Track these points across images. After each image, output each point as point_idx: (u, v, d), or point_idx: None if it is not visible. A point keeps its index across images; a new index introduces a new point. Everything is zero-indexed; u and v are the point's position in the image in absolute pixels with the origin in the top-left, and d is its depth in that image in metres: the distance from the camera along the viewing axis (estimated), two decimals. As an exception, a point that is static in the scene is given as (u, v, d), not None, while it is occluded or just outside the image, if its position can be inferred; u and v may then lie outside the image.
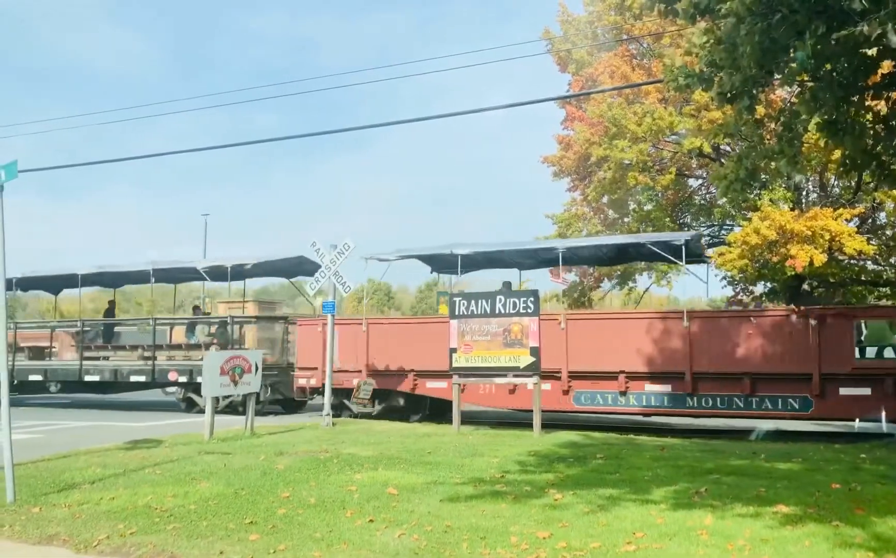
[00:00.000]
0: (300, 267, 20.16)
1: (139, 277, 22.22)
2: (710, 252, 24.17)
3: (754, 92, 7.39)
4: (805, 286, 19.76)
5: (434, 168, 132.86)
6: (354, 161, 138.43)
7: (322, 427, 13.89)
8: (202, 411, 16.88)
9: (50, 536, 6.24)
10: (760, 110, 8.30)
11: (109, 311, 23.86)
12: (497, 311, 13.43)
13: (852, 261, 21.30)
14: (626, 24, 23.21)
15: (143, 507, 7.02)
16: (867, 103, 7.95)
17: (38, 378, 21.84)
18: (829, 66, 7.22)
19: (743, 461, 9.39)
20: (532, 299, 13.41)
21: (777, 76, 7.46)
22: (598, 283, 26.33)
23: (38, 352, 23.07)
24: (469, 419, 15.16)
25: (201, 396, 17.17)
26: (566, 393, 15.01)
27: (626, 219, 24.92)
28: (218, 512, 6.80)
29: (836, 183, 22.77)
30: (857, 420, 13.75)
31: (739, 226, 22.00)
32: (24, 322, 27.49)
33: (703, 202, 25.91)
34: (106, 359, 21.55)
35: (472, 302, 13.85)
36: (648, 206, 24.28)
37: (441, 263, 18.83)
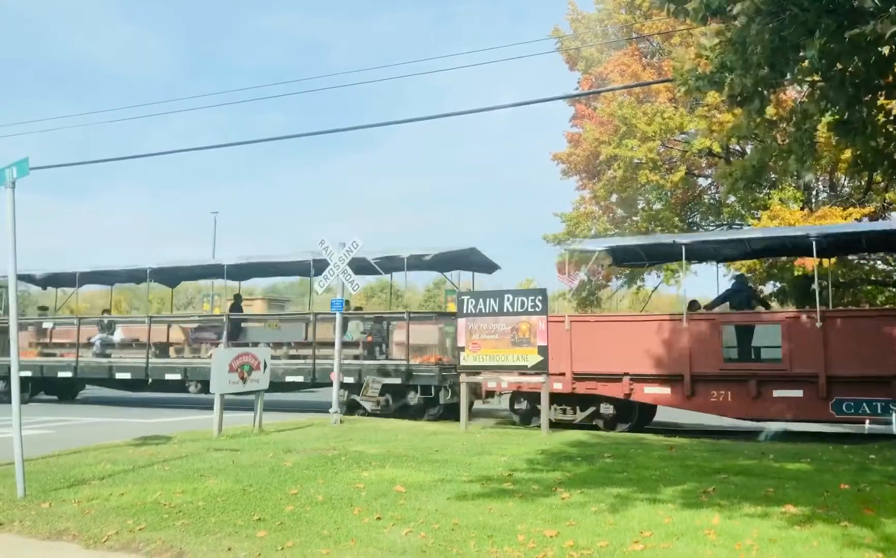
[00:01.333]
0: (471, 257, 18.98)
1: (299, 268, 21.13)
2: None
3: (765, 93, 7.37)
4: (813, 286, 19.67)
5: (443, 167, 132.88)
6: (362, 160, 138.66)
7: (330, 425, 13.93)
8: (366, 413, 16.47)
9: (59, 531, 6.27)
10: (771, 111, 8.27)
11: (235, 306, 22.40)
12: (505, 310, 13.43)
13: (862, 261, 21.23)
14: (636, 22, 23.17)
15: (151, 503, 7.05)
16: (879, 102, 7.92)
17: (177, 376, 20.16)
18: (840, 66, 7.19)
19: (751, 461, 9.36)
20: (540, 298, 13.40)
21: (788, 76, 7.44)
22: (606, 283, 26.32)
23: (163, 349, 21.72)
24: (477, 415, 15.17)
25: (364, 398, 16.86)
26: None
27: (634, 218, 24.89)
28: (226, 508, 6.83)
29: (846, 182, 22.70)
30: (867, 421, 13.70)
31: (749, 225, 21.95)
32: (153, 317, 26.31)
33: (712, 201, 25.86)
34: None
35: (480, 300, 13.85)
36: (657, 205, 24.26)
37: (659, 254, 17.53)
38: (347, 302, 17.31)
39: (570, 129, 25.71)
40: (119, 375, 20.79)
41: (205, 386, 18.88)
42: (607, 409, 15.02)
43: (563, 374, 14.94)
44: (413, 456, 9.71)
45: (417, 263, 18.74)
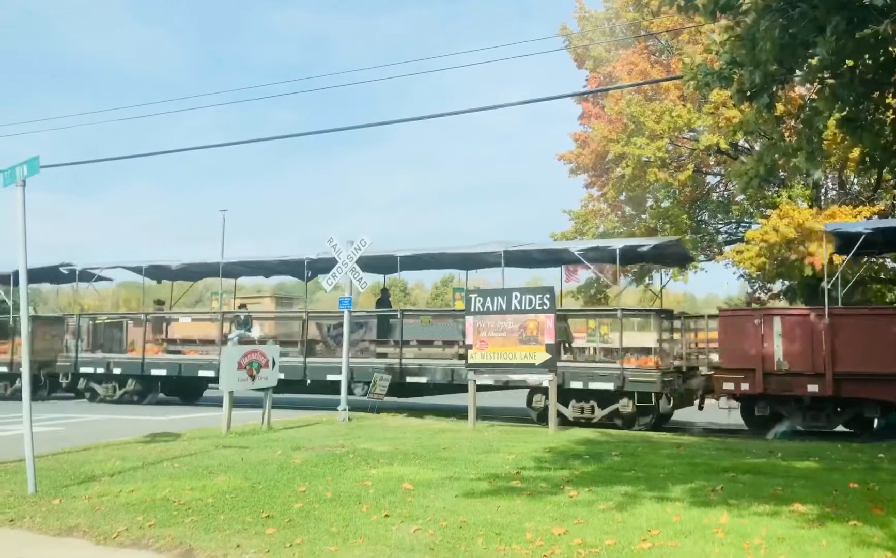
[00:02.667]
0: (675, 248, 18.06)
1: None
2: (727, 249, 24.09)
3: (774, 89, 7.35)
4: (823, 284, 19.61)
5: (450, 165, 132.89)
6: (371, 157, 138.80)
7: (338, 422, 13.96)
8: (570, 422, 14.60)
9: (70, 528, 6.31)
10: (780, 107, 8.24)
11: (382, 301, 21.00)
12: (513, 308, 13.42)
13: (872, 260, 21.13)
14: (644, 20, 23.10)
15: (161, 500, 7.09)
16: (888, 100, 7.89)
17: (337, 377, 16.72)
18: (849, 63, 7.17)
19: (760, 459, 9.34)
20: (548, 296, 13.39)
21: (797, 73, 7.42)
22: (615, 280, 26.24)
23: (311, 347, 19.58)
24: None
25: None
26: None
27: (643, 216, 24.84)
28: (235, 505, 6.86)
29: (855, 180, 22.61)
30: (876, 419, 13.64)
31: (757, 223, 21.90)
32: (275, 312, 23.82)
33: (721, 199, 25.79)
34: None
35: (488, 298, 13.85)
36: (666, 203, 24.20)
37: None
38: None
39: (577, 128, 25.68)
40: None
41: (366, 387, 17.20)
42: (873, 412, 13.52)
43: (821, 375, 13.22)
44: (421, 454, 9.73)
45: (632, 255, 17.62)
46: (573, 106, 26.31)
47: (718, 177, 26.26)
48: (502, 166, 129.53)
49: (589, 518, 6.25)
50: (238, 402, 13.47)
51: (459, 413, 15.58)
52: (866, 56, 7.05)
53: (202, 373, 19.64)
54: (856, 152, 16.12)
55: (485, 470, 8.53)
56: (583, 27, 25.04)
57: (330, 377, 17.35)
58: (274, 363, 13.38)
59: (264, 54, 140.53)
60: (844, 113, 7.66)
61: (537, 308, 13.24)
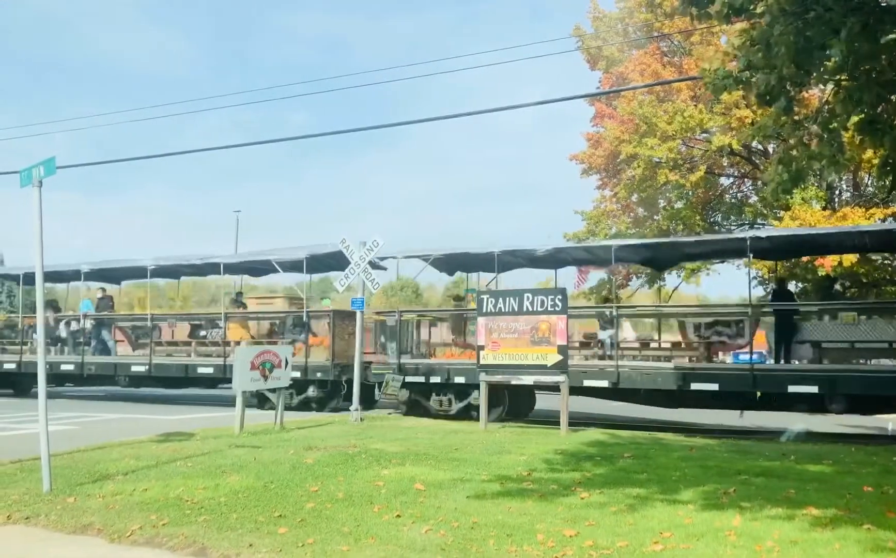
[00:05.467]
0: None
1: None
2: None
3: (791, 92, 7.31)
4: (837, 286, 19.51)
5: (464, 165, 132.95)
6: (386, 158, 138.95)
7: (350, 422, 13.99)
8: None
9: (84, 526, 6.36)
10: (797, 110, 8.20)
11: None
12: (525, 309, 13.41)
13: (885, 261, 21.01)
14: (656, 21, 23.06)
15: (174, 499, 7.13)
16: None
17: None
18: (866, 66, 7.12)
19: (773, 462, 9.30)
20: (560, 297, 13.37)
21: (814, 75, 7.38)
22: (626, 281, 26.22)
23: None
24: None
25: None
26: None
27: (655, 217, 24.79)
28: (248, 504, 6.89)
29: (869, 182, 22.47)
30: (891, 423, 13.55)
31: (771, 224, 21.81)
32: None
33: (733, 200, 25.70)
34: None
35: (500, 299, 13.84)
36: (678, 204, 24.14)
37: None
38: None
39: (590, 128, 25.66)
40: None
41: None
42: None
43: None
44: (432, 455, 9.74)
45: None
46: (586, 107, 26.32)
47: (731, 179, 26.18)
48: (517, 167, 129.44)
49: (600, 520, 6.24)
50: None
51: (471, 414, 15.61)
52: (883, 58, 7.00)
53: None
54: (870, 154, 16.04)
55: (496, 472, 8.53)
56: (596, 27, 25.03)
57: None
58: (287, 363, 13.44)
59: (280, 55, 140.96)
60: (863, 115, 7.61)
61: (549, 309, 13.22)
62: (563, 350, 13.07)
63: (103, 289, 22.92)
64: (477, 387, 14.43)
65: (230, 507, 6.79)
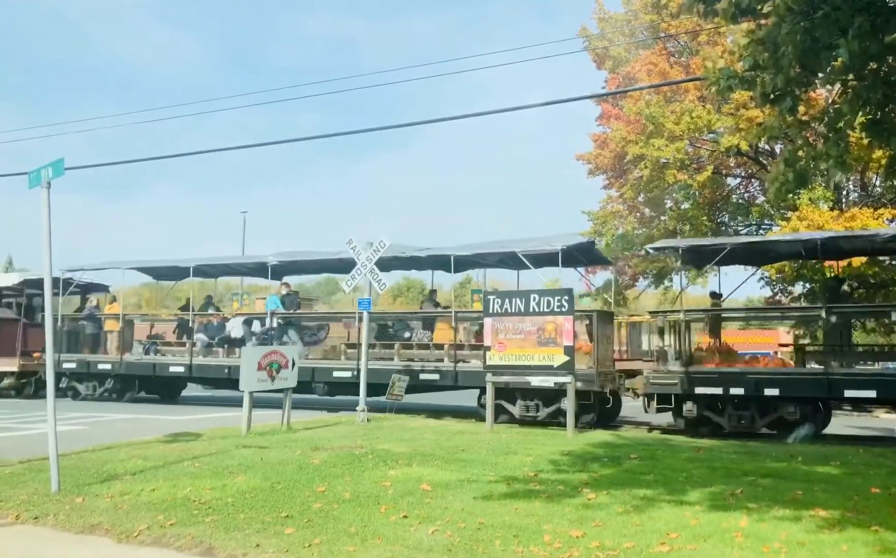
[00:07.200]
0: None
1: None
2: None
3: (797, 92, 7.28)
4: (845, 287, 19.44)
5: (472, 166, 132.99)
6: (395, 160, 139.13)
7: (357, 423, 14.00)
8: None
9: (92, 526, 6.38)
10: (803, 110, 8.18)
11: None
12: (531, 310, 13.41)
13: (893, 262, 20.92)
14: (662, 22, 23.03)
15: (182, 499, 7.15)
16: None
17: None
18: (874, 66, 7.09)
19: (780, 463, 9.28)
20: (566, 298, 13.37)
21: (821, 75, 7.35)
22: (633, 282, 26.19)
23: None
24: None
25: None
26: None
27: (662, 218, 24.75)
28: (255, 505, 6.91)
29: (877, 182, 22.40)
30: None
31: (778, 225, 21.76)
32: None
33: (740, 201, 25.64)
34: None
35: (506, 300, 13.85)
36: (685, 205, 24.10)
37: None
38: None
39: (597, 129, 25.64)
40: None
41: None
42: None
43: None
44: (439, 455, 9.75)
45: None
46: (592, 107, 26.29)
47: (739, 179, 26.11)
48: (527, 166, 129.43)
49: (607, 521, 6.24)
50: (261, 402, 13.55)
51: (478, 415, 15.61)
52: (890, 58, 6.97)
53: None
54: (878, 154, 15.98)
55: (503, 472, 8.53)
56: (602, 29, 25.01)
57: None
58: (293, 364, 13.45)
59: (290, 57, 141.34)
60: (870, 115, 7.58)
61: (556, 310, 13.21)
62: (569, 351, 13.06)
63: (287, 285, 20.62)
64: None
65: (237, 508, 6.80)
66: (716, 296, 18.19)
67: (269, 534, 5.95)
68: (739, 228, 25.60)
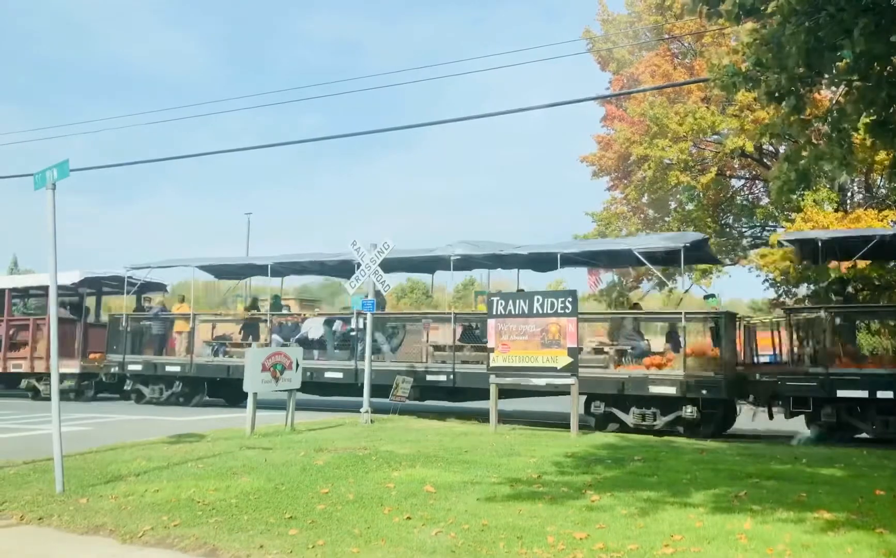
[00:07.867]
0: None
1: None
2: (752, 253, 23.90)
3: (802, 91, 7.28)
4: (850, 289, 19.41)
5: (476, 168, 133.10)
6: (399, 161, 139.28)
7: (361, 424, 14.00)
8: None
9: (97, 526, 6.40)
10: (808, 110, 8.17)
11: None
12: (535, 311, 13.39)
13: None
14: (666, 23, 23.02)
15: (185, 500, 7.16)
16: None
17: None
18: (878, 66, 7.08)
19: (784, 465, 9.26)
20: (570, 299, 13.35)
21: (824, 76, 7.34)
22: (637, 283, 26.15)
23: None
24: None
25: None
26: None
27: (666, 219, 24.74)
28: (258, 506, 6.92)
29: (882, 183, 22.36)
30: None
31: (782, 226, 21.72)
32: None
33: (745, 202, 25.61)
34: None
35: (510, 301, 13.83)
36: (689, 206, 24.08)
37: None
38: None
39: (601, 130, 25.63)
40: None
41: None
42: None
43: None
44: (443, 457, 9.74)
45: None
46: (596, 108, 26.29)
47: (743, 181, 26.08)
48: (529, 168, 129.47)
49: (611, 522, 6.23)
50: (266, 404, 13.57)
51: (482, 416, 15.59)
52: (894, 58, 6.97)
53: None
54: (882, 155, 15.95)
55: (506, 474, 8.53)
56: (606, 30, 25.00)
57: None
58: (298, 365, 13.45)
59: (294, 59, 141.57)
60: (874, 116, 7.57)
61: (559, 311, 13.20)
62: (573, 352, 13.05)
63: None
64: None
65: (241, 509, 6.81)
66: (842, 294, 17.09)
67: (273, 536, 5.95)
68: (744, 230, 25.58)
